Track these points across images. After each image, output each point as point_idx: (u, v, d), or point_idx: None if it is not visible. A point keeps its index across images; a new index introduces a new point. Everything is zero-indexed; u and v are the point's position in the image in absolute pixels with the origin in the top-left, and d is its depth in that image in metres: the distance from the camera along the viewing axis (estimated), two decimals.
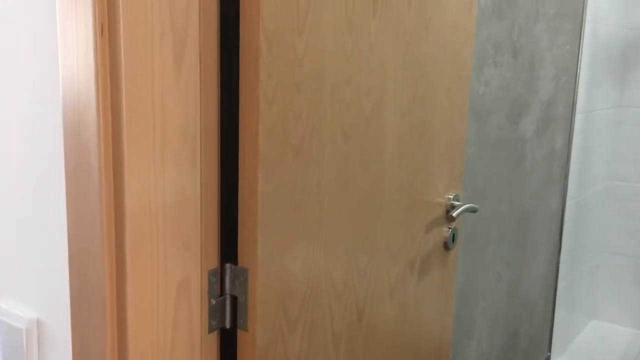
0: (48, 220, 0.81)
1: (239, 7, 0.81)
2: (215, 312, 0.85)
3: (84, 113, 0.71)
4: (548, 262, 2.45)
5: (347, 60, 0.95)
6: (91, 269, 0.74)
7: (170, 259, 0.77)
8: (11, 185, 0.85)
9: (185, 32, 0.75)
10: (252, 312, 0.86)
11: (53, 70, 0.76)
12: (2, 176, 0.86)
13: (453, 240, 1.32)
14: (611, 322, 2.91)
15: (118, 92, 0.70)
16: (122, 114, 0.70)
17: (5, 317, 0.86)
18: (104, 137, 0.70)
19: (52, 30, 0.75)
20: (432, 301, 1.31)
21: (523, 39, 1.95)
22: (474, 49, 1.66)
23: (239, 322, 0.87)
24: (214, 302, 0.84)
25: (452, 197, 1.30)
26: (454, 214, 1.23)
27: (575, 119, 2.39)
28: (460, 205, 1.27)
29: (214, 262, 0.84)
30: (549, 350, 2.59)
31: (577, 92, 2.38)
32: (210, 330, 0.85)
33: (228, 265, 0.86)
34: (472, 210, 1.29)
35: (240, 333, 0.87)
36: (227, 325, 0.87)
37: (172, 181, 0.76)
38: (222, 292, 0.86)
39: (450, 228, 1.31)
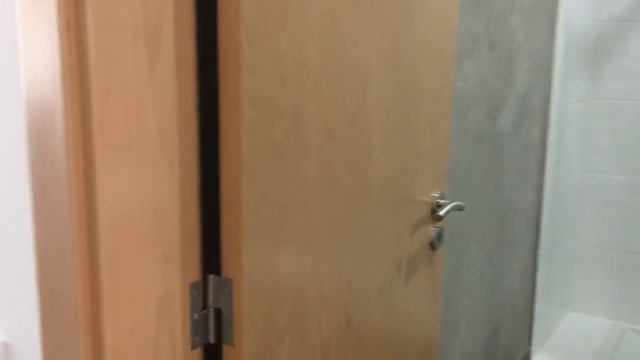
0: (14, 236, 0.74)
1: None
2: (198, 327, 0.79)
3: (50, 118, 0.64)
4: (526, 256, 2.44)
5: (330, 55, 0.90)
6: (62, 287, 0.68)
7: (149, 272, 0.71)
8: None
9: (159, 26, 0.69)
10: (237, 325, 0.81)
11: (14, 72, 0.69)
12: None
13: (439, 240, 1.29)
14: (588, 313, 2.93)
15: (87, 93, 0.63)
16: (92, 117, 0.64)
17: None
18: (73, 144, 0.64)
19: (10, 27, 0.68)
20: (420, 302, 1.28)
21: (500, 32, 1.92)
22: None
23: (224, 336, 0.81)
24: (196, 316, 0.79)
25: (437, 195, 1.26)
26: (442, 213, 1.19)
27: (551, 112, 2.38)
28: (447, 204, 1.23)
29: (196, 273, 0.78)
30: (529, 344, 2.59)
31: (552, 85, 2.37)
32: (194, 347, 0.79)
33: (211, 277, 0.80)
34: (459, 209, 1.25)
35: (225, 348, 0.82)
36: (212, 340, 0.81)
37: (148, 189, 0.70)
38: (205, 305, 0.80)
39: (436, 227, 1.28)
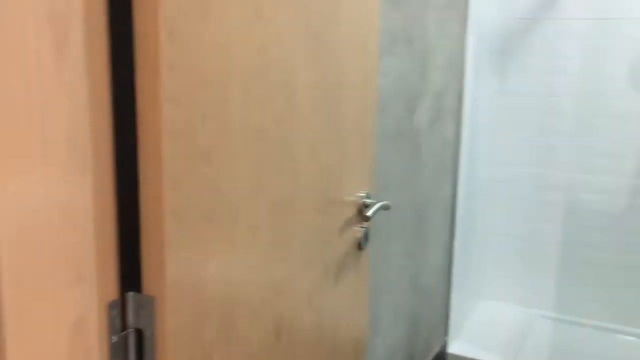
0: None
1: None
2: (117, 351, 0.71)
3: None
4: (443, 249, 2.49)
5: (256, 51, 0.85)
6: None
7: (61, 294, 0.63)
8: None
9: (67, 16, 0.60)
10: (161, 346, 0.74)
11: None
12: None
13: (366, 240, 1.26)
14: (499, 301, 3.03)
15: None
16: None
17: None
18: None
19: None
20: (348, 305, 1.25)
21: (415, 29, 1.93)
22: None
23: (146, 359, 0.74)
24: (115, 339, 0.71)
25: (364, 195, 1.23)
26: (369, 214, 1.17)
27: (464, 108, 2.43)
28: (374, 204, 1.20)
29: (113, 292, 0.70)
30: (446, 334, 2.64)
31: (464, 81, 2.42)
32: None
33: (130, 294, 0.73)
34: (385, 208, 1.23)
35: None
36: None
37: (57, 199, 0.62)
38: (124, 325, 0.73)
39: (362, 227, 1.25)
